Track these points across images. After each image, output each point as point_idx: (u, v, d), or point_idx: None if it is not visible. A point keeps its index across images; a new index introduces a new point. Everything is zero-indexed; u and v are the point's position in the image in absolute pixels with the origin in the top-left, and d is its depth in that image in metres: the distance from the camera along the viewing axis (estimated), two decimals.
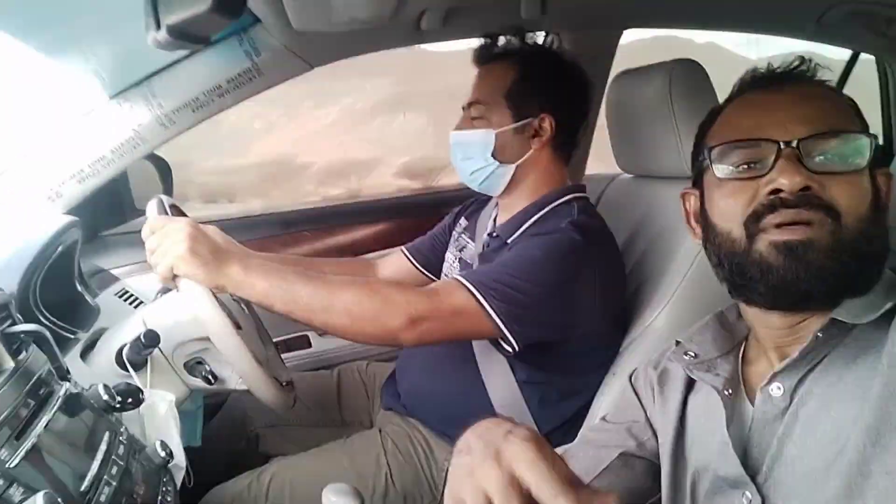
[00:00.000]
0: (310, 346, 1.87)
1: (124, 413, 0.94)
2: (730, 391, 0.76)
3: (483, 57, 1.38)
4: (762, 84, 0.77)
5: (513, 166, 1.31)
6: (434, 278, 1.57)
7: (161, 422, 1.02)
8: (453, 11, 1.34)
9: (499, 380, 1.29)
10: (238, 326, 1.09)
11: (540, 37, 1.41)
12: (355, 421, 1.58)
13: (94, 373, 1.10)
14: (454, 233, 1.56)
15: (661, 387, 0.88)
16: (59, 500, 0.64)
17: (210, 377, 1.16)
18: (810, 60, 0.76)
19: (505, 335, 1.12)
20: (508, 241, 1.29)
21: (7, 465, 0.65)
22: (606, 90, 1.55)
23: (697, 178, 0.81)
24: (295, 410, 1.26)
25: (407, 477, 1.30)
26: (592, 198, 1.44)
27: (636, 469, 0.87)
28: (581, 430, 1.24)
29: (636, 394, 0.92)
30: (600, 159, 1.57)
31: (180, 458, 1.00)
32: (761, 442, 0.71)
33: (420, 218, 1.97)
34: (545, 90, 1.30)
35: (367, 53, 1.55)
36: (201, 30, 1.04)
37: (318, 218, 2.04)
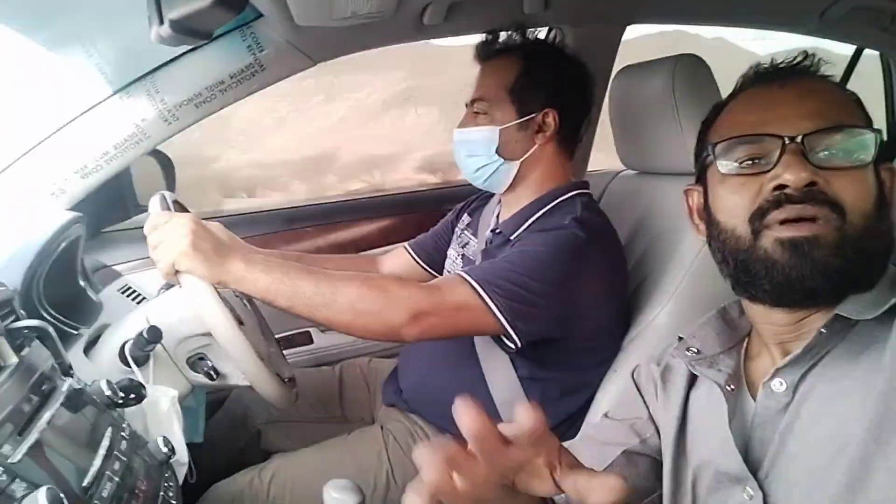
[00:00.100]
0: (312, 342, 1.88)
1: (127, 409, 0.94)
2: (732, 387, 0.76)
3: (485, 53, 1.37)
4: (766, 79, 0.76)
5: (517, 163, 1.31)
6: (437, 275, 1.57)
7: (163, 418, 1.02)
8: (456, 7, 1.34)
9: (500, 376, 1.29)
10: (240, 322, 1.09)
11: (542, 32, 1.41)
12: (357, 417, 1.59)
13: (97, 369, 1.10)
14: (457, 229, 1.56)
15: (664, 383, 0.87)
16: (62, 495, 0.64)
17: (212, 373, 1.16)
18: (814, 55, 0.76)
19: (507, 332, 1.12)
20: (511, 237, 1.29)
21: (10, 461, 0.65)
22: (609, 86, 1.55)
23: (701, 175, 0.81)
24: (297, 406, 1.26)
25: (408, 473, 1.30)
26: (595, 194, 1.44)
27: (639, 466, 0.87)
28: (583, 427, 1.24)
29: (639, 390, 0.91)
30: (608, 152, 1.57)
31: (182, 454, 1.00)
32: (763, 437, 0.71)
33: (423, 214, 1.98)
34: (548, 85, 1.29)
35: (370, 49, 1.55)
36: (204, 25, 1.04)
37: (320, 214, 2.04)
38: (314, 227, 1.98)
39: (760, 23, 1.78)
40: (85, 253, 1.39)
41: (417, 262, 1.61)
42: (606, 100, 1.56)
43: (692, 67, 1.33)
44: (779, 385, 0.70)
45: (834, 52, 2.03)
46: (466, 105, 1.35)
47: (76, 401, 0.83)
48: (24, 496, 0.63)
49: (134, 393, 0.93)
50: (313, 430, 1.49)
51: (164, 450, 0.92)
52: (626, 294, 1.33)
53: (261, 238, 1.83)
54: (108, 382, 0.89)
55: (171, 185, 1.71)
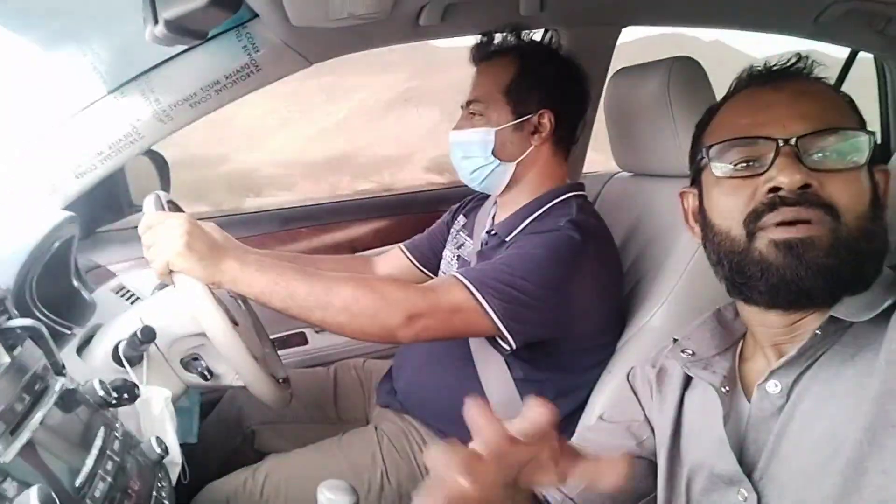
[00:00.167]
0: (306, 342, 1.87)
1: (120, 409, 0.94)
2: (727, 388, 0.76)
3: (480, 55, 1.38)
4: (760, 81, 0.77)
5: (513, 164, 1.31)
6: (432, 276, 1.57)
7: (157, 418, 1.02)
8: (452, 8, 1.34)
9: (495, 377, 1.29)
10: (235, 323, 1.09)
11: (538, 34, 1.41)
12: (351, 418, 1.58)
13: (90, 368, 1.09)
14: (452, 230, 1.56)
15: (659, 385, 0.87)
16: (54, 494, 0.64)
17: (206, 373, 1.15)
18: (807, 58, 0.76)
19: (502, 333, 1.12)
20: (507, 239, 1.29)
21: (2, 460, 0.65)
22: (605, 88, 1.55)
23: (696, 177, 0.81)
24: (291, 407, 1.26)
25: (402, 474, 1.30)
26: (591, 196, 1.44)
27: (636, 469, 0.87)
28: (578, 429, 1.24)
29: (634, 392, 0.92)
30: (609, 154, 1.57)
31: (176, 455, 0.99)
32: (758, 439, 0.71)
33: (418, 215, 1.98)
34: (544, 86, 1.30)
35: (366, 50, 1.55)
36: (199, 24, 1.03)
37: (315, 215, 2.04)
38: (309, 228, 1.98)
39: (755, 25, 1.79)
40: (79, 252, 1.39)
41: (413, 264, 1.61)
42: (602, 102, 1.56)
43: (687, 70, 1.33)
44: (773, 387, 0.70)
45: (832, 55, 2.04)
46: (462, 107, 1.35)
47: (69, 400, 0.82)
48: (15, 495, 0.63)
49: (127, 393, 0.92)
50: (307, 431, 1.48)
51: (158, 450, 0.91)
52: (621, 296, 1.33)
53: (256, 238, 1.83)
54: (102, 382, 0.89)
55: (165, 185, 1.70)
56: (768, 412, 0.70)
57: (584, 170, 2.04)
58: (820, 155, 0.68)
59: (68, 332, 1.17)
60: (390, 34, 1.50)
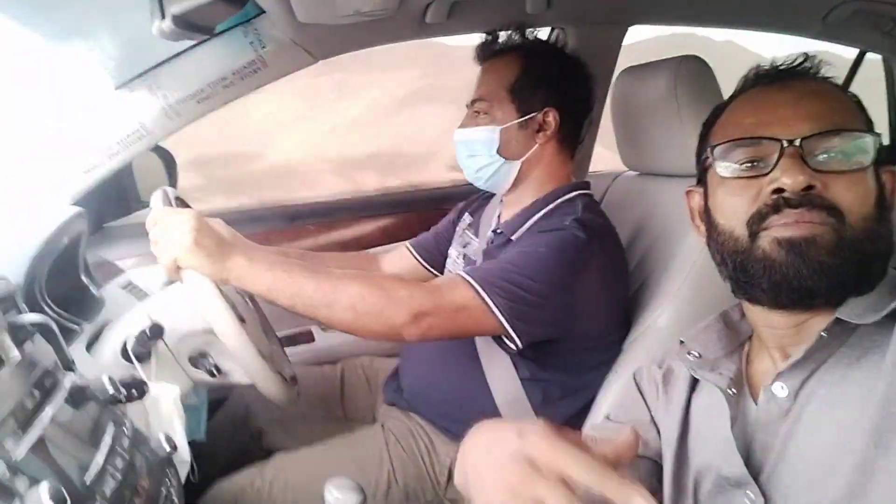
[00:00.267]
0: (313, 340, 1.87)
1: (129, 405, 0.94)
2: (734, 391, 0.76)
3: (485, 53, 1.38)
4: (766, 81, 0.76)
5: (518, 162, 1.31)
6: (438, 274, 1.57)
7: (165, 415, 1.03)
8: (458, 5, 1.34)
9: (501, 377, 1.29)
10: (242, 320, 1.09)
11: (544, 32, 1.41)
12: (358, 416, 1.59)
13: (99, 365, 1.10)
14: (458, 229, 1.56)
15: (665, 386, 0.87)
16: (64, 491, 0.64)
17: (214, 370, 1.16)
18: (814, 57, 0.76)
19: (508, 332, 1.12)
20: (512, 237, 1.29)
21: (13, 457, 0.65)
22: (611, 87, 1.54)
23: (701, 176, 0.81)
24: (298, 405, 1.26)
25: (409, 472, 1.31)
26: (597, 195, 1.44)
27: (641, 470, 0.87)
28: (584, 429, 1.24)
29: (640, 392, 0.91)
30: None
31: (184, 452, 1.00)
32: (765, 442, 0.71)
33: (424, 213, 1.98)
34: (548, 84, 1.30)
35: (372, 47, 1.55)
36: (206, 20, 1.04)
37: (322, 211, 2.04)
38: (316, 225, 1.98)
39: (762, 25, 1.78)
40: (87, 248, 1.39)
41: (419, 262, 1.61)
42: (608, 100, 1.56)
43: (694, 69, 1.33)
44: (780, 389, 0.70)
45: (843, 55, 2.03)
46: (467, 106, 1.35)
47: (78, 397, 0.83)
48: (26, 492, 0.63)
49: (136, 389, 0.92)
50: (315, 429, 1.48)
51: (167, 447, 0.92)
52: (627, 295, 1.33)
53: (263, 235, 1.83)
54: (111, 378, 0.89)
55: (172, 181, 1.70)
56: (775, 415, 0.70)
57: (595, 166, 2.04)
58: (825, 156, 0.68)
59: (77, 327, 1.17)
60: (396, 31, 1.50)
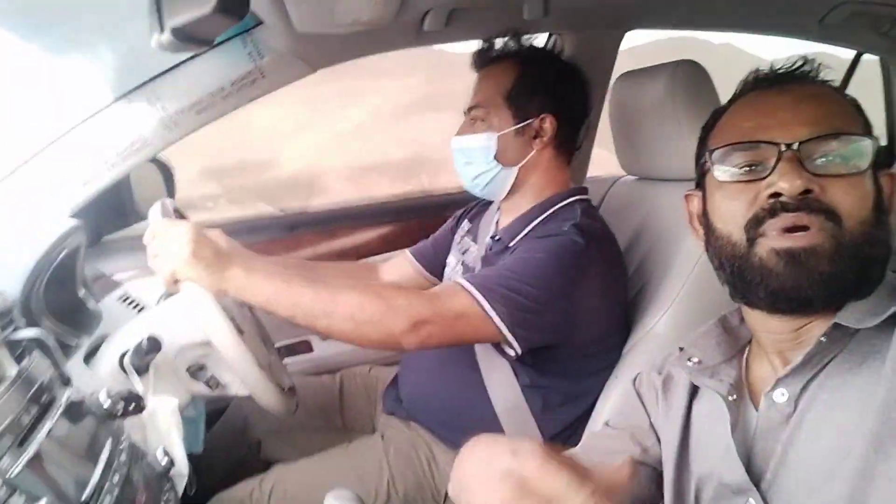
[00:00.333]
0: (312, 350, 1.87)
1: (126, 419, 0.93)
2: (734, 396, 0.75)
3: (481, 60, 1.38)
4: (764, 85, 0.76)
5: (515, 169, 1.31)
6: (437, 282, 1.57)
7: (163, 428, 1.02)
8: (456, 13, 1.34)
9: (501, 384, 1.28)
10: (240, 331, 1.09)
11: (540, 38, 1.41)
12: (357, 426, 1.58)
13: (97, 378, 1.09)
14: (456, 236, 1.56)
15: (665, 392, 0.87)
16: None
17: (212, 382, 1.15)
18: (813, 60, 0.76)
19: (507, 339, 1.12)
20: (511, 244, 1.29)
21: (9, 473, 0.65)
22: (609, 92, 1.55)
23: (700, 180, 0.81)
24: (297, 416, 1.26)
25: (409, 482, 1.30)
26: (595, 200, 1.44)
27: (641, 476, 0.87)
28: (584, 436, 1.23)
29: (640, 399, 0.91)
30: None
31: (182, 465, 0.99)
32: (765, 448, 0.70)
33: (423, 221, 1.97)
34: (544, 90, 1.30)
35: (370, 55, 1.55)
36: (205, 32, 1.03)
37: (321, 221, 2.04)
38: (315, 234, 1.98)
39: (759, 28, 1.78)
40: (85, 261, 1.39)
41: (418, 270, 1.61)
42: (606, 105, 1.56)
43: (691, 73, 1.33)
44: (780, 395, 0.69)
45: (843, 57, 2.04)
46: (464, 113, 1.35)
47: (76, 412, 0.82)
48: None
49: (134, 403, 0.92)
50: (314, 440, 1.48)
51: (164, 461, 0.91)
52: (626, 300, 1.32)
53: (262, 245, 1.83)
54: (108, 393, 0.88)
55: (171, 192, 1.70)
56: (776, 421, 0.70)
57: (597, 166, 2.03)
58: (823, 160, 0.67)
59: (75, 341, 1.17)
60: (394, 39, 1.50)
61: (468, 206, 1.61)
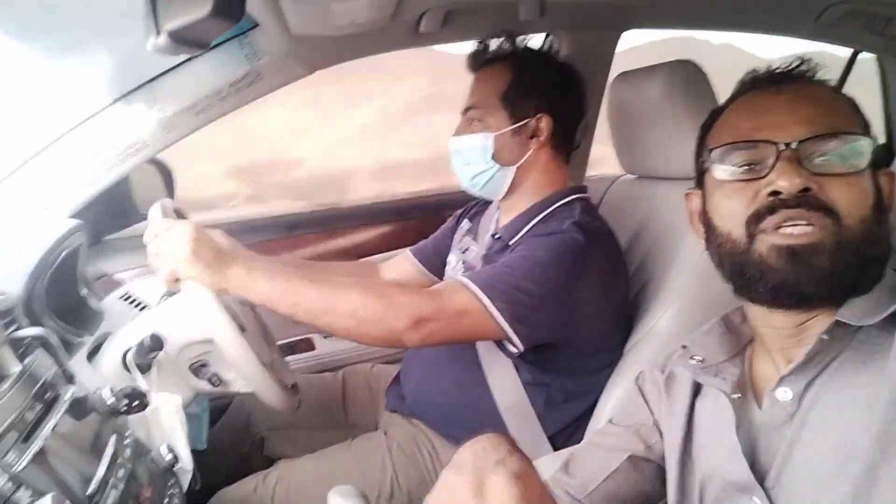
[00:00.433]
0: (314, 348, 1.87)
1: (130, 416, 0.94)
2: (738, 395, 0.75)
3: (477, 62, 1.39)
4: (763, 85, 0.77)
5: (513, 168, 1.32)
6: (438, 281, 1.57)
7: (167, 425, 1.02)
8: (452, 14, 1.35)
9: (504, 382, 1.29)
10: (242, 329, 1.09)
11: (536, 39, 1.42)
12: (360, 423, 1.58)
13: (101, 376, 1.10)
14: (457, 235, 1.57)
15: (668, 391, 0.87)
16: (67, 502, 0.64)
17: (215, 380, 1.16)
18: (811, 60, 0.76)
19: (509, 336, 1.13)
20: (511, 242, 1.30)
21: (15, 469, 0.65)
22: (607, 92, 1.55)
23: (699, 179, 0.81)
24: (300, 413, 1.26)
25: (412, 479, 1.30)
26: (595, 199, 1.45)
27: (644, 472, 0.87)
28: (587, 433, 1.24)
29: (643, 396, 0.91)
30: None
31: (186, 462, 1.00)
32: (770, 446, 0.71)
33: (423, 220, 1.98)
34: (540, 90, 1.31)
35: (366, 56, 1.55)
36: (201, 35, 1.04)
37: (321, 220, 2.04)
38: (315, 234, 1.98)
39: (755, 27, 1.79)
40: (86, 261, 1.39)
41: (418, 269, 1.61)
42: (605, 105, 1.57)
43: (688, 73, 1.34)
44: (784, 394, 0.69)
45: (841, 55, 2.05)
46: (461, 114, 1.36)
47: (80, 408, 0.83)
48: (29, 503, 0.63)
49: (137, 400, 0.92)
50: (317, 437, 1.48)
51: (168, 457, 0.92)
52: (626, 298, 1.33)
53: (262, 245, 1.83)
54: (112, 390, 0.89)
55: (170, 192, 1.71)
56: (780, 419, 0.70)
57: (599, 164, 2.04)
58: (821, 159, 0.68)
59: (77, 340, 1.17)
60: (390, 41, 1.50)
61: (468, 205, 1.61)
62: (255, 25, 1.29)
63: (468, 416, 1.30)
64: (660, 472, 0.87)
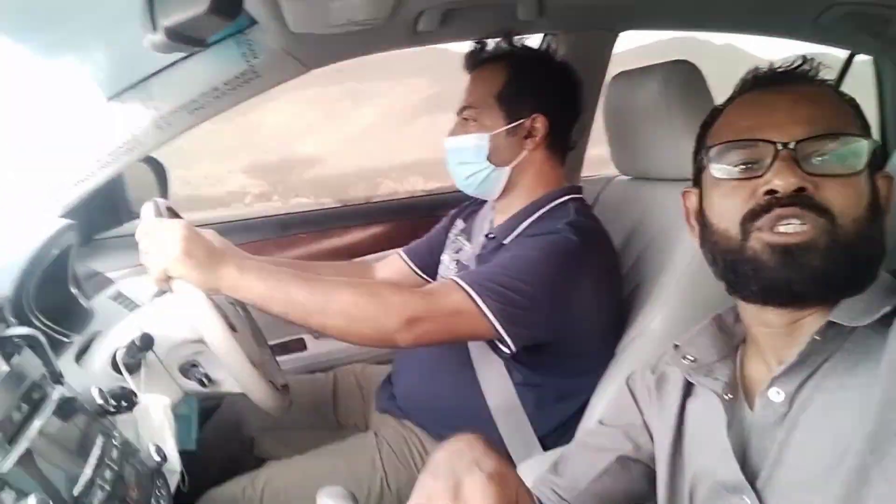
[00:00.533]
0: (305, 348, 1.87)
1: (118, 416, 0.94)
2: (729, 395, 0.75)
3: (473, 62, 1.39)
4: (763, 84, 0.77)
5: (508, 168, 1.31)
6: (431, 281, 1.57)
7: (155, 425, 1.02)
8: (450, 13, 1.35)
9: (495, 382, 1.29)
10: (233, 329, 1.09)
11: (534, 39, 1.42)
12: (351, 424, 1.58)
13: (89, 376, 1.09)
14: (451, 235, 1.56)
15: (659, 391, 0.87)
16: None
17: (204, 380, 1.15)
18: (812, 60, 0.76)
19: (501, 336, 1.12)
20: (505, 242, 1.29)
21: (0, 470, 0.65)
22: (604, 92, 1.55)
23: (697, 177, 0.81)
24: (290, 413, 1.25)
25: (402, 480, 1.30)
26: (589, 199, 1.44)
27: (633, 472, 0.87)
28: (577, 433, 1.24)
29: (633, 397, 0.91)
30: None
31: (174, 462, 0.99)
32: (761, 447, 0.70)
33: (416, 220, 1.97)
34: (536, 90, 1.30)
35: (364, 55, 1.55)
36: (198, 32, 1.03)
37: (314, 220, 2.04)
38: (308, 234, 1.98)
39: (753, 28, 1.79)
40: (77, 260, 1.39)
41: (411, 269, 1.60)
42: (601, 106, 1.56)
43: (685, 73, 1.33)
44: (776, 395, 0.69)
45: (840, 56, 2.05)
46: (457, 114, 1.36)
47: (67, 409, 0.82)
48: None
49: (125, 401, 0.92)
50: (307, 437, 1.47)
51: (156, 458, 0.91)
52: (620, 299, 1.33)
53: (255, 244, 1.83)
54: (100, 390, 0.88)
55: (164, 191, 1.70)
56: (771, 420, 0.70)
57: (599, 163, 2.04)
58: (819, 159, 0.68)
59: (66, 339, 1.16)
60: (388, 40, 1.50)
61: (462, 205, 1.61)
62: (253, 23, 1.29)
63: (459, 417, 1.29)
64: (649, 472, 0.87)
